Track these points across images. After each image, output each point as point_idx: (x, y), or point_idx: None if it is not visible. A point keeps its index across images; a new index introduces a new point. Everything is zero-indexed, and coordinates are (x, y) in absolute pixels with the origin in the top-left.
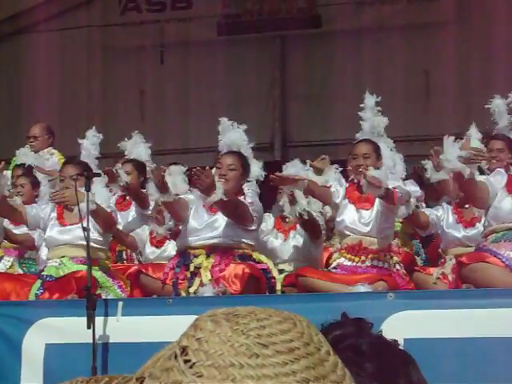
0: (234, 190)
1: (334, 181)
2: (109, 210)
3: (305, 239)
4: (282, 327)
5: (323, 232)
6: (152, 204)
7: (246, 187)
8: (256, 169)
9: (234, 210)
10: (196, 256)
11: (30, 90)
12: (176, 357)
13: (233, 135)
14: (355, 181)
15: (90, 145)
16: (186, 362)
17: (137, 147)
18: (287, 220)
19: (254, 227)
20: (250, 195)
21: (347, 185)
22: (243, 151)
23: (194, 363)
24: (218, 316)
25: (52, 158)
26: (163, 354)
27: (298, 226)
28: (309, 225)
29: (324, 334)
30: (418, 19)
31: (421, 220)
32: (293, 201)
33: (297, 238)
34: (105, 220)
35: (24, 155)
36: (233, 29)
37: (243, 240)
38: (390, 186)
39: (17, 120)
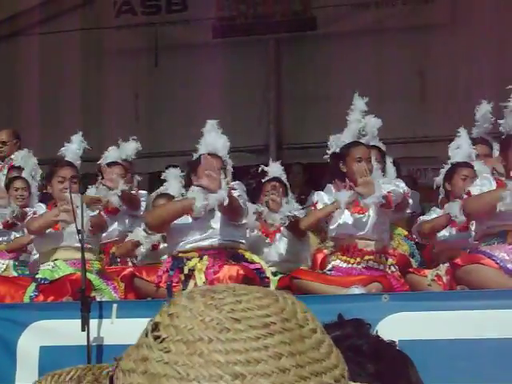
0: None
1: (320, 197)
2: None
3: (290, 239)
4: (261, 302)
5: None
6: (143, 205)
7: (234, 185)
8: None
9: (230, 205)
10: (189, 259)
11: (24, 91)
12: (147, 333)
13: (218, 141)
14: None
15: (76, 149)
16: (156, 337)
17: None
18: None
19: (244, 221)
20: (236, 188)
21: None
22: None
23: (163, 339)
24: (195, 292)
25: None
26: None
27: (281, 227)
28: (292, 225)
29: None
30: (413, 21)
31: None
32: (273, 209)
33: (283, 240)
34: (94, 222)
35: (23, 158)
36: (228, 31)
37: (234, 239)
38: (385, 191)
39: (12, 122)
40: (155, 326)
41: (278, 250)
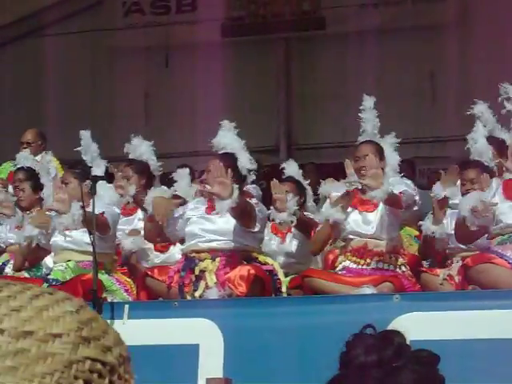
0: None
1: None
2: (109, 212)
3: (301, 240)
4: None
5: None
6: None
7: (250, 188)
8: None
9: (243, 211)
10: (201, 260)
11: (34, 93)
12: None
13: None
14: (359, 186)
15: (95, 150)
16: None
17: (139, 148)
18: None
19: (256, 229)
20: (254, 194)
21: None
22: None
23: None
24: None
25: (51, 165)
26: None
27: (292, 228)
28: (302, 225)
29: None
30: (422, 21)
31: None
32: (279, 208)
33: (294, 240)
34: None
35: (24, 159)
36: (237, 31)
37: (247, 243)
38: (397, 191)
39: (22, 124)
40: None
41: (288, 250)
